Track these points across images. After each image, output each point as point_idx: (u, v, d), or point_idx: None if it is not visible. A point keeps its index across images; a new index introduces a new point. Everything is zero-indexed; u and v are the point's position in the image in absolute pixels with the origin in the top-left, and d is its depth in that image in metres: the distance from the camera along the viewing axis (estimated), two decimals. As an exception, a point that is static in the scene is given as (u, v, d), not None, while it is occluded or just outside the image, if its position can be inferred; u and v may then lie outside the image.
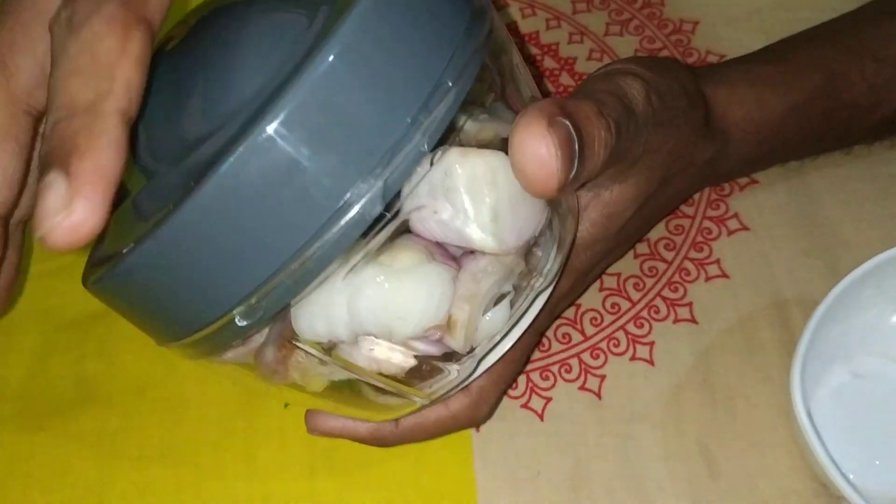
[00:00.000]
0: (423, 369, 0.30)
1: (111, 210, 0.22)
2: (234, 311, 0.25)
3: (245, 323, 0.25)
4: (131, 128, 0.24)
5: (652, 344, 0.39)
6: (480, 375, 0.33)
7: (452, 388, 0.32)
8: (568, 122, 0.26)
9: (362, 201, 0.24)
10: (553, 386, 0.39)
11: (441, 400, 0.33)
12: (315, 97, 0.23)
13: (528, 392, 0.39)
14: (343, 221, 0.24)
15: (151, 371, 0.40)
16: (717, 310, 0.40)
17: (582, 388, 0.39)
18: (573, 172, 0.26)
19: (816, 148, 0.42)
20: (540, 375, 0.39)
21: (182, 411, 0.39)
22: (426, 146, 0.24)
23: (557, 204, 0.30)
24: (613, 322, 0.40)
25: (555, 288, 0.33)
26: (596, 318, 0.40)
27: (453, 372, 0.30)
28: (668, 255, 0.41)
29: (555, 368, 0.39)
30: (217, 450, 0.38)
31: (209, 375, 0.40)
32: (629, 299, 0.40)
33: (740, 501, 0.36)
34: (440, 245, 0.28)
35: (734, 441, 0.37)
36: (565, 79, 0.47)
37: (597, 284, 0.41)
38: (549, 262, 0.31)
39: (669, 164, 0.34)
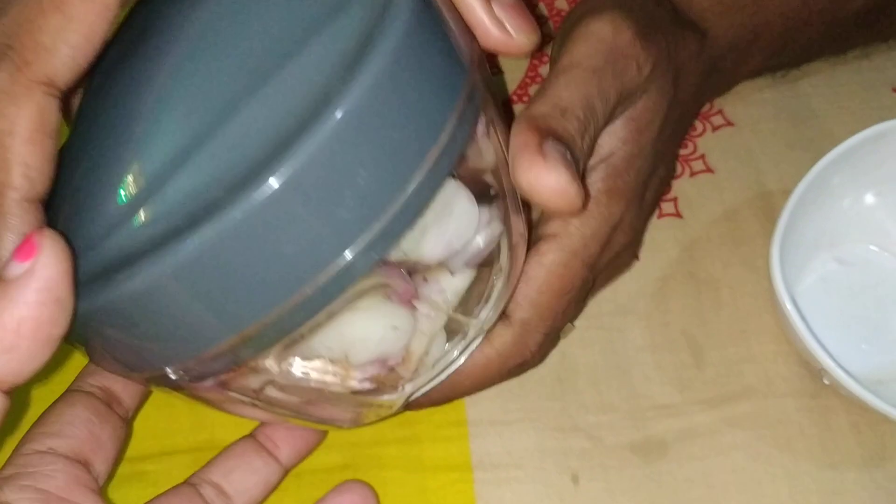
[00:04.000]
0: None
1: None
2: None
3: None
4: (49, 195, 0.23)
5: (636, 238, 0.39)
6: (521, 306, 0.31)
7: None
8: (553, 143, 0.27)
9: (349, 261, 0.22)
10: (538, 282, 0.39)
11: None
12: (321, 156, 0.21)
13: (513, 289, 0.39)
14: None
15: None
16: (702, 204, 0.40)
17: (567, 283, 0.39)
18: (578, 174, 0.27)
19: (803, 37, 0.40)
20: (525, 272, 0.39)
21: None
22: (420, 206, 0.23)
23: (507, 231, 0.29)
24: (597, 217, 0.40)
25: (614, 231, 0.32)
26: (581, 218, 0.40)
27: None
28: (652, 152, 0.41)
29: (539, 265, 0.39)
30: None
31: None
32: (613, 195, 0.40)
33: (726, 388, 0.36)
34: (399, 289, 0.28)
35: (720, 330, 0.37)
36: (561, 3, 0.46)
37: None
38: (489, 302, 0.30)
39: (672, 64, 0.33)
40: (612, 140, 0.32)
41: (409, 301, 0.27)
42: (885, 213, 0.38)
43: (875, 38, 0.43)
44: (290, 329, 0.23)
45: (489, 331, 0.31)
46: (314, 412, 0.30)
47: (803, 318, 0.33)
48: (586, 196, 0.31)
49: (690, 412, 0.36)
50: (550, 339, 0.32)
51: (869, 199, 0.38)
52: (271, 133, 0.21)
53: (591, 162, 0.32)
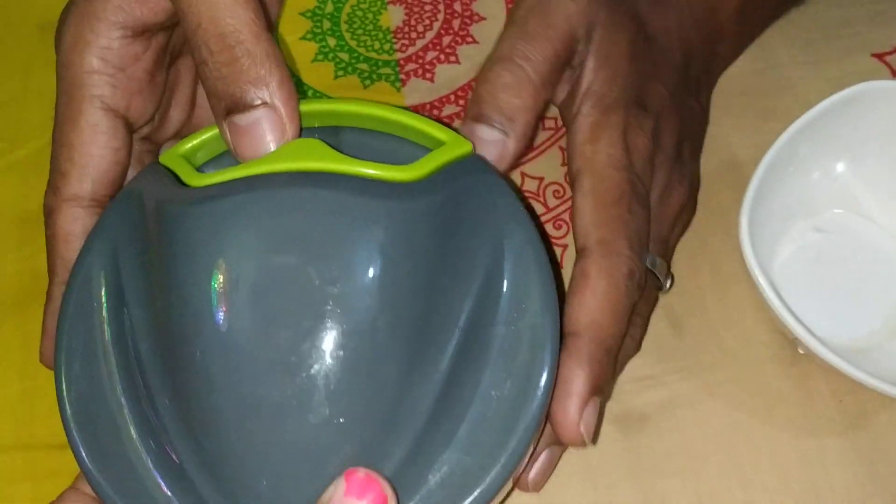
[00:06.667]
0: None
1: None
2: None
3: None
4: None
5: (613, 209, 0.39)
6: (586, 233, 0.31)
7: None
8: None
9: None
10: (514, 255, 0.38)
11: None
12: None
13: (488, 262, 0.38)
14: None
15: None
16: (678, 173, 0.39)
17: (543, 255, 0.38)
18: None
19: None
20: (500, 245, 0.38)
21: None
22: None
23: None
24: (573, 188, 0.39)
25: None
26: (558, 191, 0.40)
27: None
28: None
29: (515, 238, 0.38)
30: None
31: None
32: (589, 166, 0.40)
33: (706, 355, 0.36)
34: None
35: (698, 299, 0.37)
36: None
37: (558, 158, 0.40)
38: None
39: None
40: (587, 74, 0.33)
41: None
42: (859, 179, 0.38)
43: None
44: None
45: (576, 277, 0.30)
46: None
47: (775, 290, 0.32)
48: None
49: (669, 382, 0.35)
50: (639, 241, 0.31)
51: (842, 166, 0.37)
52: None
53: (577, 100, 0.33)
